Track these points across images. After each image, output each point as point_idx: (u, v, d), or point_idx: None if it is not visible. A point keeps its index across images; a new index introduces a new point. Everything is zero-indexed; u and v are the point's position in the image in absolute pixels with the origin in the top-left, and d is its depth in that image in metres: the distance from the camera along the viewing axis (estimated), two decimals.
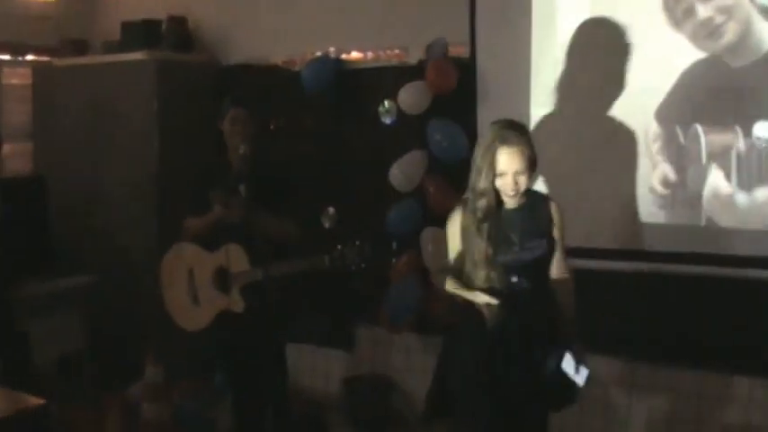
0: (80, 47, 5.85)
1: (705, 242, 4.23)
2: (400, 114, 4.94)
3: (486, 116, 4.75)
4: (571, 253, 3.41)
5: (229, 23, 5.72)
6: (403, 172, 4.85)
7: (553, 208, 3.25)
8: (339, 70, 5.15)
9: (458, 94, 4.77)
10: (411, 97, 4.80)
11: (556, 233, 3.24)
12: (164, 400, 4.89)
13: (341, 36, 5.22)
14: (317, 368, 5.43)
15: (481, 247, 3.09)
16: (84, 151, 5.62)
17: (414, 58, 4.96)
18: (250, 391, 4.15)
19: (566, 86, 4.52)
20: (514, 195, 3.12)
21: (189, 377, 5.19)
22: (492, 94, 4.74)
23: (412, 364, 5.13)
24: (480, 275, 3.11)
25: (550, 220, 3.23)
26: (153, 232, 5.30)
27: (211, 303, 4.00)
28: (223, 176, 4.03)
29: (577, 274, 3.38)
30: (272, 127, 5.47)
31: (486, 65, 4.74)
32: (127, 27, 5.53)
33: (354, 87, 5.16)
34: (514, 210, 3.17)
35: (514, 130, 3.09)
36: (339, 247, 3.91)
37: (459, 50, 4.81)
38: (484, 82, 4.75)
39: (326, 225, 5.30)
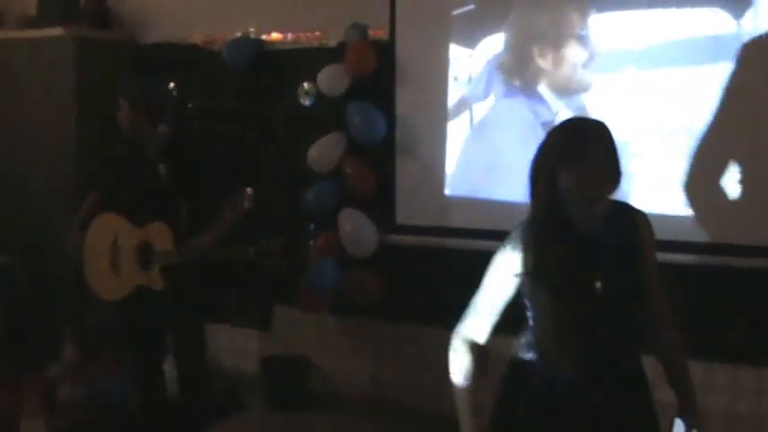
0: None
1: None
2: (319, 96, 4.99)
3: (404, 98, 4.86)
4: None
5: (148, 1, 5.66)
6: (321, 153, 4.90)
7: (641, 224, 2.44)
8: (259, 51, 5.16)
9: (377, 77, 4.83)
10: (330, 79, 4.85)
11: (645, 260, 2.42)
12: (81, 379, 4.85)
13: (261, 17, 5.22)
14: (234, 347, 5.45)
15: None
16: None
17: (333, 40, 5.00)
18: (155, 369, 4.19)
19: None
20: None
21: (107, 352, 5.15)
22: (411, 76, 4.82)
23: (328, 345, 5.21)
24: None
25: (639, 240, 2.41)
26: (69, 212, 5.22)
27: (131, 277, 3.98)
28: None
29: None
30: (190, 106, 5.46)
31: (404, 48, 4.82)
32: (43, 1, 5.43)
33: (274, 68, 5.18)
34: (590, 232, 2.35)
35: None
36: (263, 241, 3.96)
37: (379, 33, 4.87)
38: (403, 65, 4.83)
39: (245, 205, 5.31)
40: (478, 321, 2.46)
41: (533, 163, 2.32)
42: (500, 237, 4.43)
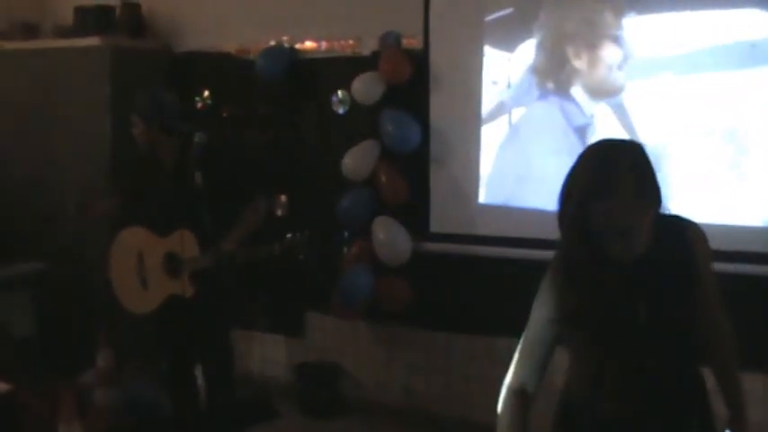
0: (30, 30, 5.77)
1: None
2: (353, 104, 5.01)
3: (438, 106, 4.87)
4: None
5: (183, 10, 5.70)
6: (355, 161, 4.92)
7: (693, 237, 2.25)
8: (293, 59, 5.19)
9: (411, 85, 4.84)
10: (364, 87, 4.86)
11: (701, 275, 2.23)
12: (116, 384, 4.88)
13: (295, 25, 5.24)
14: (267, 354, 5.47)
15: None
16: (34, 137, 5.56)
17: (367, 48, 5.01)
18: (188, 376, 4.25)
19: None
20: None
21: (139, 360, 5.18)
22: (445, 84, 4.83)
23: (360, 352, 5.22)
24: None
25: (692, 255, 2.23)
26: (103, 218, 5.28)
27: (160, 288, 4.03)
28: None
29: None
30: (224, 115, 5.50)
31: (438, 55, 4.83)
32: (80, 11, 5.49)
33: (308, 77, 5.21)
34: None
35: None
36: (289, 236, 3.98)
37: (413, 42, 4.88)
38: (437, 73, 4.84)
39: (279, 213, 5.34)
40: (524, 368, 2.30)
41: (562, 190, 2.17)
42: (534, 245, 4.55)
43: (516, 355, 2.33)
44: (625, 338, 2.15)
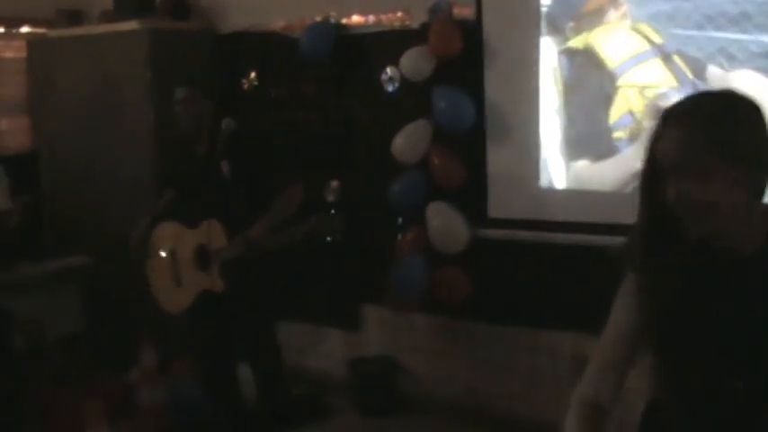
0: (75, 17, 5.62)
1: None
2: (403, 81, 4.67)
3: (494, 81, 4.50)
4: None
5: None
6: (406, 143, 4.58)
7: None
8: (339, 36, 4.87)
9: (464, 59, 4.47)
10: (414, 63, 4.51)
11: None
12: (160, 383, 4.71)
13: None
14: (322, 349, 5.22)
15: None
16: (81, 126, 5.40)
17: (417, 21, 4.65)
18: (228, 375, 4.05)
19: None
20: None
21: (184, 358, 5.00)
22: (500, 57, 4.45)
23: (418, 345, 4.90)
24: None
25: None
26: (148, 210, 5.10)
27: (193, 284, 3.85)
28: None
29: None
30: (272, 95, 5.24)
31: (492, 26, 4.44)
32: None
33: (355, 53, 4.88)
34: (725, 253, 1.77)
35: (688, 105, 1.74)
36: (313, 218, 3.77)
37: (465, 12, 4.50)
38: (491, 45, 4.45)
39: (330, 198, 5.05)
40: (599, 378, 1.92)
41: (644, 163, 1.76)
42: (601, 230, 4.15)
43: (591, 362, 1.96)
44: (715, 353, 1.76)
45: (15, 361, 4.39)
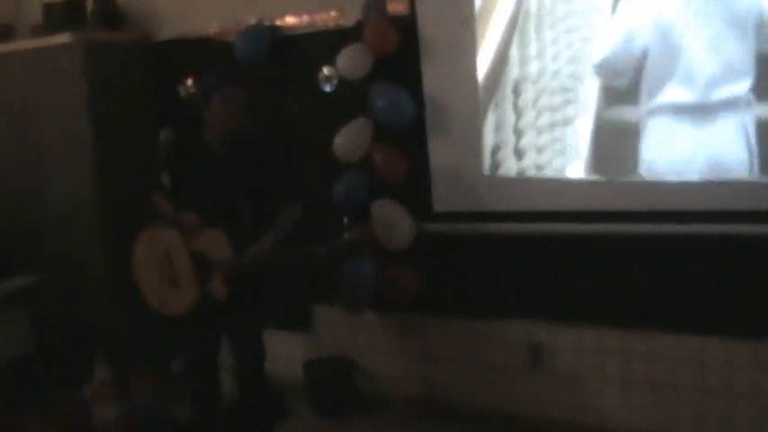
0: (5, 33, 5.50)
1: None
2: (341, 80, 4.65)
3: (431, 75, 4.50)
4: None
5: None
6: (347, 141, 4.57)
7: None
8: (274, 38, 4.83)
9: (400, 55, 4.47)
10: (350, 61, 4.50)
11: None
12: (116, 399, 4.64)
13: (275, 1, 4.87)
14: (276, 352, 5.14)
15: None
16: (17, 143, 5.29)
17: (351, 19, 4.63)
18: (211, 380, 4.00)
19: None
20: None
21: (142, 371, 4.94)
22: (437, 50, 4.45)
23: (373, 344, 4.90)
24: None
25: None
26: (94, 225, 5.02)
27: (191, 288, 3.78)
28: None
29: None
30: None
31: (427, 20, 4.44)
32: (48, 8, 5.18)
33: (291, 55, 4.85)
34: None
35: None
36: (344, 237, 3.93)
37: (398, 8, 4.49)
38: (427, 39, 4.46)
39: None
40: None
41: None
42: (548, 218, 4.19)
43: None
44: None
45: None
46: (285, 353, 5.12)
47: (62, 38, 5.00)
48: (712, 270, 3.87)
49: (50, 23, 5.16)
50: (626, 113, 4.01)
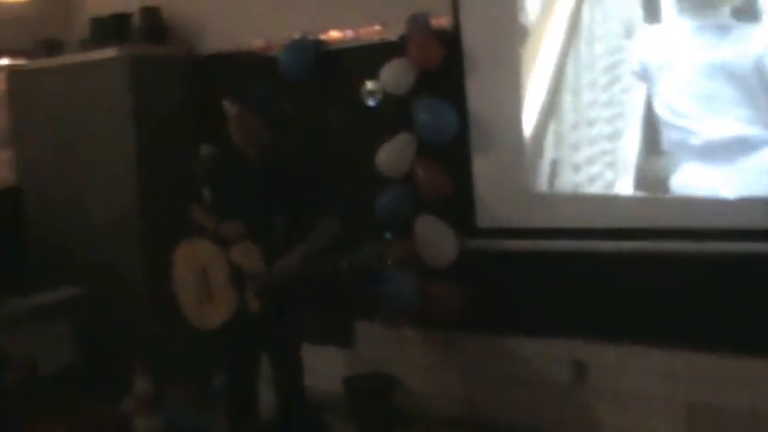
0: (55, 47, 5.56)
1: None
2: (384, 95, 4.62)
3: (476, 89, 4.46)
4: None
5: (205, 10, 5.41)
6: (390, 156, 4.54)
7: None
8: (317, 52, 4.83)
9: (444, 69, 4.44)
10: (393, 76, 4.49)
11: None
12: (155, 411, 4.64)
13: (319, 15, 4.89)
14: (316, 367, 5.12)
15: None
16: (64, 156, 5.36)
17: (395, 33, 4.62)
18: (249, 393, 3.99)
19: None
20: None
21: (181, 384, 4.94)
22: (481, 64, 4.42)
23: (414, 360, 4.85)
24: None
25: None
26: (136, 237, 5.06)
27: (226, 302, 3.79)
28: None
29: None
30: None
31: (471, 34, 4.42)
32: (95, 23, 5.26)
33: (335, 69, 4.85)
34: None
35: None
36: (364, 251, 3.96)
37: (442, 21, 4.47)
38: (471, 53, 4.43)
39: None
40: None
41: None
42: (594, 235, 4.12)
43: None
44: None
45: (8, 398, 4.34)
46: (325, 368, 5.08)
47: (108, 52, 5.07)
48: (765, 290, 3.78)
49: (97, 38, 5.24)
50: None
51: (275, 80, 4.92)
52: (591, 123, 4.17)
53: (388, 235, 4.69)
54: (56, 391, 4.91)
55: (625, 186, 4.10)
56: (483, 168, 4.48)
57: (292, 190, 3.79)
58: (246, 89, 3.85)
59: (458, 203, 4.51)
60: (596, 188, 4.19)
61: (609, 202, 4.15)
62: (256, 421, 4.08)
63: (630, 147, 4.06)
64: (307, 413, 4.13)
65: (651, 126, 3.99)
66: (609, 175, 4.15)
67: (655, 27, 3.95)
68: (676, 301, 3.99)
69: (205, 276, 3.84)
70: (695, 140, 3.85)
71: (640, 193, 4.05)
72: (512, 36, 4.32)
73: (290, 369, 3.97)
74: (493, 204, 4.48)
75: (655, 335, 4.04)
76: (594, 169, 4.18)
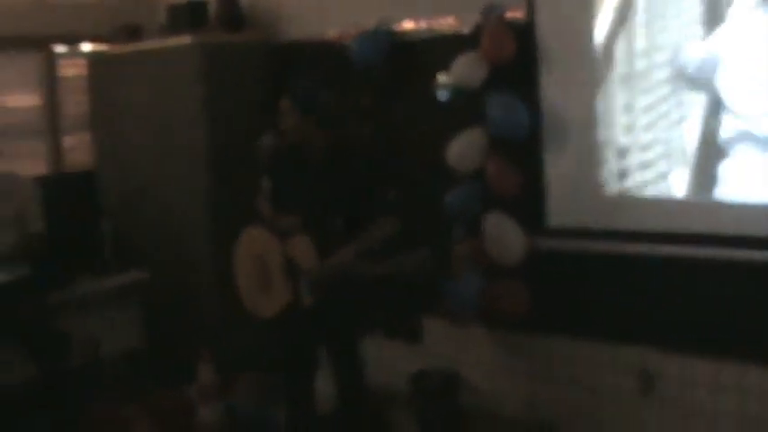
0: (134, 33, 5.60)
1: None
2: (456, 88, 4.51)
3: (550, 85, 4.32)
4: None
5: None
6: (460, 152, 4.43)
7: None
8: (391, 43, 4.75)
9: (517, 63, 4.30)
10: (465, 69, 4.37)
11: None
12: (218, 400, 4.68)
13: (395, 5, 4.79)
14: (381, 361, 5.09)
15: None
16: (140, 142, 5.43)
17: (469, 25, 4.50)
18: (306, 387, 3.98)
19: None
20: None
21: (247, 374, 4.96)
22: (555, 59, 4.27)
23: (480, 359, 4.76)
24: None
25: None
26: (206, 225, 5.08)
27: (281, 293, 3.80)
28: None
29: None
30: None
31: (546, 27, 4.27)
32: (172, 10, 5.29)
33: (407, 61, 4.76)
34: None
35: None
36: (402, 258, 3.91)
37: (517, 14, 4.34)
38: (545, 47, 4.29)
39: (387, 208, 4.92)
40: None
41: None
42: (668, 239, 3.95)
43: None
44: None
45: (73, 380, 4.43)
46: (391, 363, 5.04)
47: (182, 39, 5.08)
48: None
49: (173, 24, 5.26)
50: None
51: (350, 70, 4.89)
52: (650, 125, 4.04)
53: (456, 231, 4.60)
54: (118, 374, 5.01)
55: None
56: (555, 166, 4.34)
57: (352, 188, 3.74)
58: (297, 83, 3.80)
59: (528, 202, 4.38)
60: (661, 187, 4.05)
61: (685, 206, 3.98)
62: (314, 415, 4.08)
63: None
64: (364, 409, 4.08)
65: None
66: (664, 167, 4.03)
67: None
68: (753, 313, 3.80)
69: (262, 265, 3.85)
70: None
71: (715, 197, 3.88)
72: (587, 29, 4.17)
73: (348, 364, 3.93)
74: (564, 203, 4.34)
75: (727, 347, 3.87)
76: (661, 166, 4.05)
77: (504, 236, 4.40)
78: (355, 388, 4.00)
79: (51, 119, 5.72)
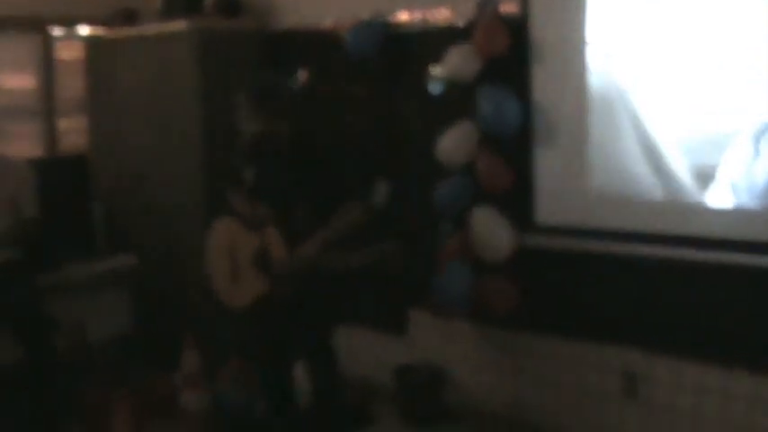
0: (131, 17, 5.56)
1: None
2: (448, 81, 4.49)
3: (542, 80, 4.29)
4: None
5: None
6: (451, 145, 4.41)
7: None
8: (385, 34, 4.72)
9: (511, 58, 4.27)
10: (458, 62, 4.33)
11: None
12: (202, 387, 4.67)
13: None
14: (367, 353, 5.08)
15: None
16: (135, 126, 5.40)
17: (464, 18, 4.47)
18: (282, 378, 4.03)
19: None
20: None
21: (232, 361, 4.96)
22: (548, 55, 4.24)
23: (466, 355, 4.74)
24: None
25: None
26: (196, 213, 5.06)
27: (251, 284, 3.83)
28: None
29: None
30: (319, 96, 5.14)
31: (540, 23, 4.24)
32: None
33: (401, 53, 4.73)
34: None
35: None
36: (374, 248, 3.97)
37: (511, 8, 4.30)
38: (538, 42, 4.25)
39: (376, 200, 4.91)
40: None
41: None
42: (655, 240, 3.91)
43: None
44: None
45: (61, 364, 4.43)
46: (376, 355, 5.04)
47: (178, 25, 5.06)
48: None
49: (169, 9, 5.24)
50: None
51: (343, 60, 4.87)
52: None
53: (445, 225, 4.58)
54: (107, 358, 5.01)
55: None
56: (545, 163, 4.31)
57: (316, 177, 3.74)
58: (253, 75, 3.83)
59: (517, 198, 4.36)
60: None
61: (675, 207, 3.94)
62: (293, 406, 4.07)
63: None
64: (339, 400, 4.10)
65: None
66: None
67: None
68: (740, 318, 3.77)
69: (233, 256, 3.86)
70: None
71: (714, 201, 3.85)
72: (580, 26, 4.13)
73: (321, 356, 3.95)
74: (553, 201, 4.31)
75: (714, 352, 3.83)
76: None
77: (491, 231, 4.38)
78: (328, 380, 4.03)
79: (47, 101, 5.72)
